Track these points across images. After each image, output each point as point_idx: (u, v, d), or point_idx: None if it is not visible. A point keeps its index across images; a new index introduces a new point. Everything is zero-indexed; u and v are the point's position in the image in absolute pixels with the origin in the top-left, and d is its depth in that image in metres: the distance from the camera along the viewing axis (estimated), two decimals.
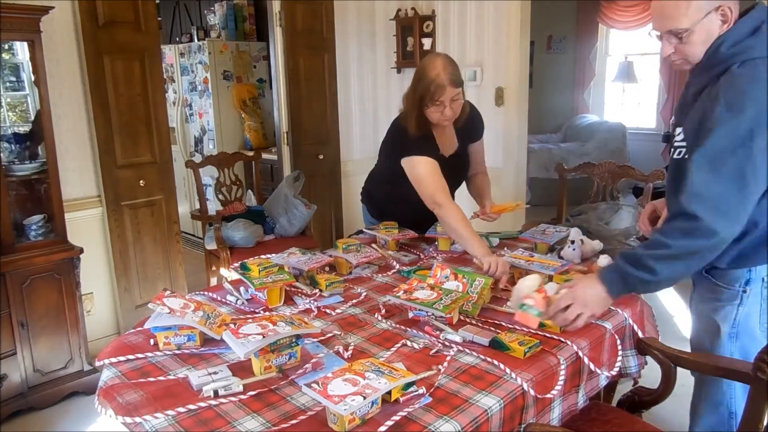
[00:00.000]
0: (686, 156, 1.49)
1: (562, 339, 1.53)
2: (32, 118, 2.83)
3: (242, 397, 1.29)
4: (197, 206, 3.96)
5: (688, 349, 1.69)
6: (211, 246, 3.39)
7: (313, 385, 1.19)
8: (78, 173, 3.07)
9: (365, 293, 1.88)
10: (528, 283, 1.61)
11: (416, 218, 2.38)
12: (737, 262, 1.50)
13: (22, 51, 2.78)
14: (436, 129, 2.26)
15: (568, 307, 1.51)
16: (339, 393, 1.15)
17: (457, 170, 2.40)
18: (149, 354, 1.50)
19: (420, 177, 2.19)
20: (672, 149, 1.60)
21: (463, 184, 2.53)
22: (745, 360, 1.49)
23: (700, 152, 1.40)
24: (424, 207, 2.21)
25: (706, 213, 1.36)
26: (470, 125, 2.36)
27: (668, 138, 1.85)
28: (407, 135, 2.21)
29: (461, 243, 2.15)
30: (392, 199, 2.45)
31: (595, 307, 1.51)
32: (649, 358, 1.72)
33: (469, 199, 2.53)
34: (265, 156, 4.35)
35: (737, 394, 1.58)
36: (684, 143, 1.52)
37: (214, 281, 3.46)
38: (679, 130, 1.55)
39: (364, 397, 1.15)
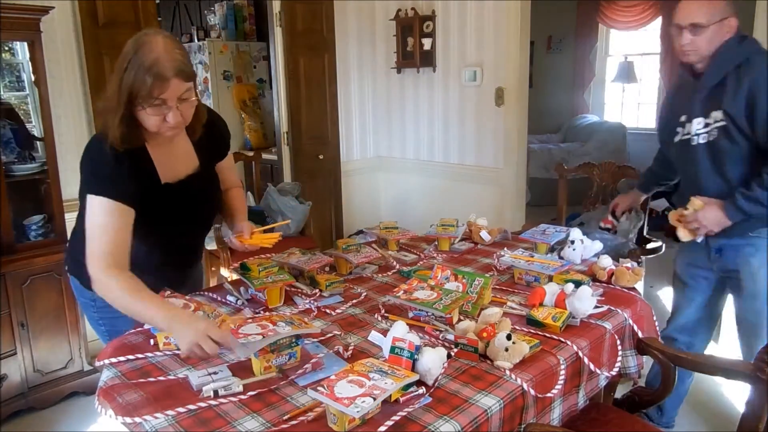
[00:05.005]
0: (733, 135, 1.83)
1: (562, 339, 1.53)
2: (32, 118, 2.83)
3: (242, 397, 1.29)
4: None
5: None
6: (211, 246, 3.39)
7: (319, 388, 1.18)
8: (78, 173, 3.06)
9: (365, 293, 1.88)
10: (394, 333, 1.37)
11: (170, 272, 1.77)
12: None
13: (22, 51, 2.78)
14: (154, 141, 1.61)
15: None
16: (348, 395, 1.15)
17: (202, 196, 1.78)
18: (149, 354, 1.50)
19: (91, 226, 1.53)
20: (694, 135, 1.92)
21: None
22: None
23: None
24: (175, 262, 1.77)
25: None
26: (213, 137, 1.77)
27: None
28: (100, 155, 1.55)
29: (144, 319, 1.51)
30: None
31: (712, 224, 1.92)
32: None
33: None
34: (265, 156, 4.35)
35: None
36: (723, 123, 1.85)
37: (214, 281, 3.46)
38: (717, 113, 1.86)
39: (374, 398, 1.15)
